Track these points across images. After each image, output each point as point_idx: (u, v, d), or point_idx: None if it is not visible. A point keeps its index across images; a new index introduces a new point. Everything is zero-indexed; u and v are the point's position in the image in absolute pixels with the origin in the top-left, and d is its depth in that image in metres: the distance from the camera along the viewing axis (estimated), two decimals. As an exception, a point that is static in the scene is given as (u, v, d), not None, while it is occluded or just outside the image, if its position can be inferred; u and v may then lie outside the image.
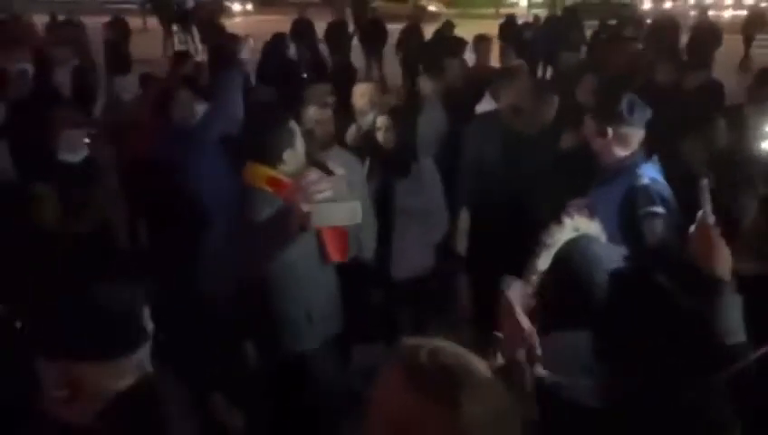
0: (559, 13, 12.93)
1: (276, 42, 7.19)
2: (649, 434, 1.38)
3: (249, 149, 2.77)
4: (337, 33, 11.55)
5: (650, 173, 2.60)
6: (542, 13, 15.41)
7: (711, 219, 1.62)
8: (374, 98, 4.00)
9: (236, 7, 31.09)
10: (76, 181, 3.15)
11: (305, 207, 2.38)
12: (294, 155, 2.75)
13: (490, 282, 1.86)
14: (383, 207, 3.53)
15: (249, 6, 31.80)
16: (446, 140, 4.19)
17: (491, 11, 25.62)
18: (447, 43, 6.24)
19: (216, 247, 3.49)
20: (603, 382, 1.43)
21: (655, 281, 1.44)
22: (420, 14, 13.52)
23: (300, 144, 2.78)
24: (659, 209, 2.52)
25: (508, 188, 3.51)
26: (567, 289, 1.70)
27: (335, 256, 2.84)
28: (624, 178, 2.61)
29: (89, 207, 3.00)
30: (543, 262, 1.83)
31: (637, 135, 2.69)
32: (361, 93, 4.01)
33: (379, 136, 3.65)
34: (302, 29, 11.02)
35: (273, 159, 2.70)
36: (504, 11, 21.18)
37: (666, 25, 10.35)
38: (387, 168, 3.57)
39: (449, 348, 1.17)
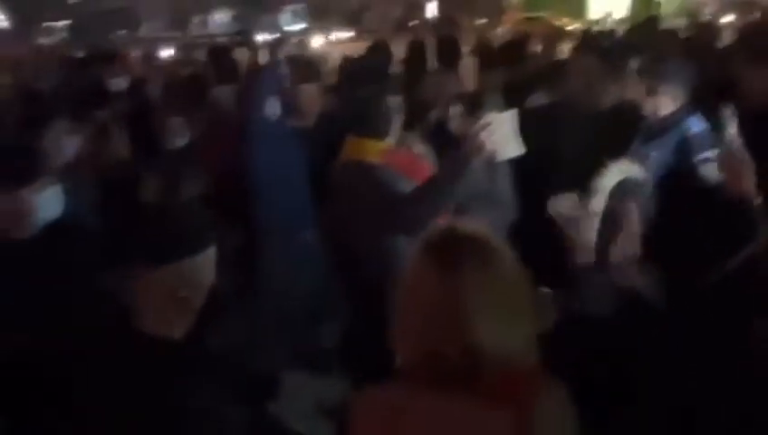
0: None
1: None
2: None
3: (359, 126, 2.83)
4: (416, 53, 11.86)
5: (699, 124, 2.69)
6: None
7: (737, 142, 1.73)
8: (443, 89, 4.19)
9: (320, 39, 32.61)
10: (178, 162, 3.51)
11: (489, 144, 2.48)
12: (397, 127, 2.89)
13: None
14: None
15: (333, 37, 33.32)
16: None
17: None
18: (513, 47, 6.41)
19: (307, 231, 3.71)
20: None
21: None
22: (556, 32, 13.47)
23: (399, 117, 2.90)
24: (714, 154, 2.60)
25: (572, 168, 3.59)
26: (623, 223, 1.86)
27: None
28: (675, 131, 2.80)
29: (186, 185, 3.32)
30: (597, 203, 1.98)
31: (683, 91, 2.80)
32: (431, 85, 4.22)
33: (452, 125, 3.83)
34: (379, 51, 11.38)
35: (383, 133, 2.81)
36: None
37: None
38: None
39: (469, 225, 1.34)
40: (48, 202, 2.13)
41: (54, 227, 2.18)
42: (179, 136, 3.76)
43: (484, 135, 2.44)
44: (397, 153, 2.89)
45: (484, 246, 1.32)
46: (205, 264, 1.56)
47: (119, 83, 5.26)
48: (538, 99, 4.40)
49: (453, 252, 1.29)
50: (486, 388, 1.28)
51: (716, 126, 2.14)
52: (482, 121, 2.49)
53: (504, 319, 1.29)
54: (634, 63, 2.90)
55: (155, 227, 1.56)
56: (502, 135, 2.50)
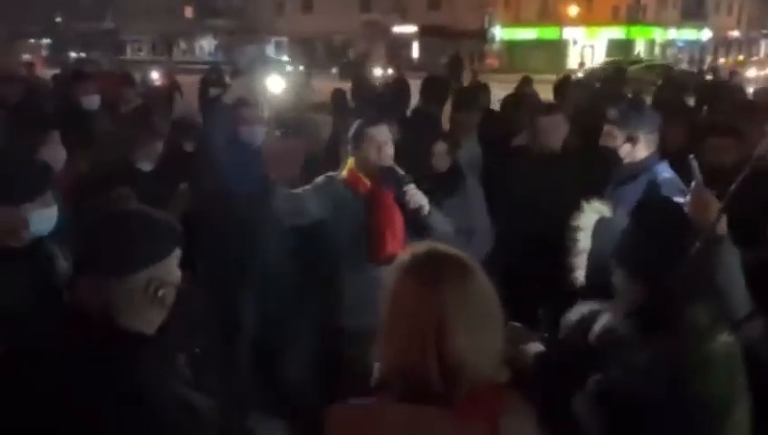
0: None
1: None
2: None
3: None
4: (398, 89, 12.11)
5: (667, 169, 2.88)
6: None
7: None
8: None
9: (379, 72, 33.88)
10: (150, 185, 3.53)
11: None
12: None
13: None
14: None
15: (389, 71, 34.42)
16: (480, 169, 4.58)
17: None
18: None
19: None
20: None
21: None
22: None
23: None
24: (681, 199, 2.74)
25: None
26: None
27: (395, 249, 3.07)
28: (646, 175, 2.95)
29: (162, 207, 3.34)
30: (583, 242, 2.09)
31: (655, 138, 3.00)
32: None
33: (433, 161, 3.97)
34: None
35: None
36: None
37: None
38: (438, 187, 3.82)
39: (443, 247, 1.43)
40: (45, 219, 2.14)
41: (40, 244, 2.18)
42: (150, 158, 3.76)
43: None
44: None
45: (461, 264, 1.39)
46: (174, 263, 1.61)
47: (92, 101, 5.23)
48: (521, 139, 4.56)
49: (434, 269, 1.36)
50: (459, 403, 1.32)
51: (682, 174, 2.33)
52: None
53: (480, 335, 1.34)
54: (611, 112, 3.04)
55: (133, 232, 1.56)
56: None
